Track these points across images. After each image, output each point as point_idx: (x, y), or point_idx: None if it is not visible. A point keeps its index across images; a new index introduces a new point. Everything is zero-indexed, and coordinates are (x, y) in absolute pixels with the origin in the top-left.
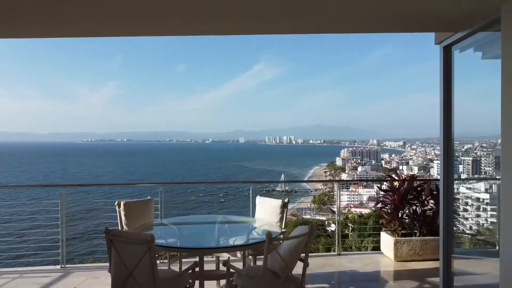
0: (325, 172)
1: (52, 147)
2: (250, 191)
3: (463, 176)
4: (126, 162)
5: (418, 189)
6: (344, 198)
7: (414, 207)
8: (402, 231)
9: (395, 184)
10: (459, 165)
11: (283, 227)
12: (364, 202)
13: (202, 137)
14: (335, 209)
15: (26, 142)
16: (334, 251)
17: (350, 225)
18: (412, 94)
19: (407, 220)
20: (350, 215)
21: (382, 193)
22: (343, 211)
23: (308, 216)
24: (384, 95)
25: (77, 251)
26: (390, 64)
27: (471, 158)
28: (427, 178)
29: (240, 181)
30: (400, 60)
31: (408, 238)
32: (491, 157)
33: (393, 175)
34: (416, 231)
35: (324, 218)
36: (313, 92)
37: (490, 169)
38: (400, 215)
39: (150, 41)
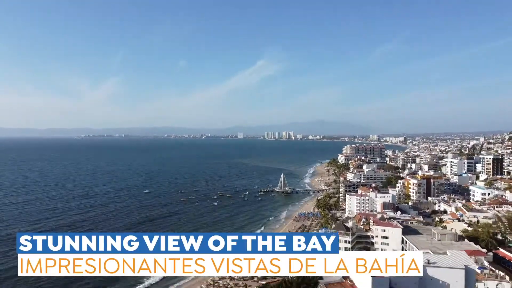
0: (328, 170)
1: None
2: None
3: None
4: (125, 159)
5: None
6: (353, 203)
7: None
8: None
9: None
10: None
11: None
12: (377, 210)
13: (200, 133)
14: (349, 224)
15: (24, 138)
16: None
17: None
18: (412, 90)
19: None
20: None
21: None
22: (357, 225)
23: (313, 227)
24: (384, 91)
25: None
26: (390, 61)
27: None
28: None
29: None
30: (401, 57)
31: None
32: None
33: None
34: None
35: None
36: (313, 88)
37: None
38: None
39: (151, 37)
